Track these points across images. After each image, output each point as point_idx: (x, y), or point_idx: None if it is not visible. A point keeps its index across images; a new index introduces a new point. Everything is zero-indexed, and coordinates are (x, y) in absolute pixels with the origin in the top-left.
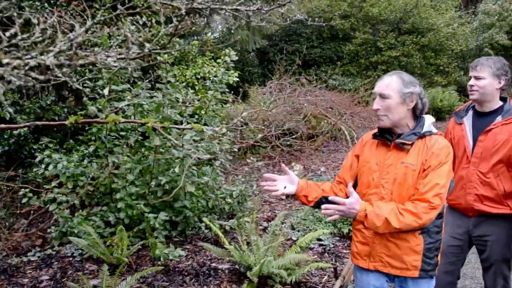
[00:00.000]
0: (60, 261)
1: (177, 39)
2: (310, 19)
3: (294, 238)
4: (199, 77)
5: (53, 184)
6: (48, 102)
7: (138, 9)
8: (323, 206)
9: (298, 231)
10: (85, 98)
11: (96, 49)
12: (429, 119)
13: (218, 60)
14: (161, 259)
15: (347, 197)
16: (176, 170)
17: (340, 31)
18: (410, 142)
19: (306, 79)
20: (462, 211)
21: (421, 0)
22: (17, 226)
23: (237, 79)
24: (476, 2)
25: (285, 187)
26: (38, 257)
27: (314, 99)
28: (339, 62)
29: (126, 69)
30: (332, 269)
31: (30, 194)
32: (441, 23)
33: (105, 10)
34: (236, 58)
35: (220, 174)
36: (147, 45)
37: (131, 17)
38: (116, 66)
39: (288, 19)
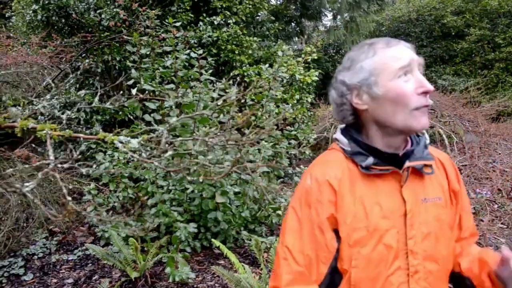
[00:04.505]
0: (95, 264)
1: (255, 39)
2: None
3: None
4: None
5: (92, 185)
6: None
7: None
8: None
9: None
10: (4, 98)
11: None
12: None
13: (298, 59)
14: (170, 278)
15: None
16: (200, 179)
17: (452, 28)
18: (431, 162)
19: None
20: None
21: None
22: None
23: (317, 79)
24: None
25: None
26: (78, 256)
27: None
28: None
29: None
30: None
31: (95, 191)
32: None
33: (185, 13)
34: (315, 56)
35: (269, 182)
36: None
37: (208, 18)
38: None
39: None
